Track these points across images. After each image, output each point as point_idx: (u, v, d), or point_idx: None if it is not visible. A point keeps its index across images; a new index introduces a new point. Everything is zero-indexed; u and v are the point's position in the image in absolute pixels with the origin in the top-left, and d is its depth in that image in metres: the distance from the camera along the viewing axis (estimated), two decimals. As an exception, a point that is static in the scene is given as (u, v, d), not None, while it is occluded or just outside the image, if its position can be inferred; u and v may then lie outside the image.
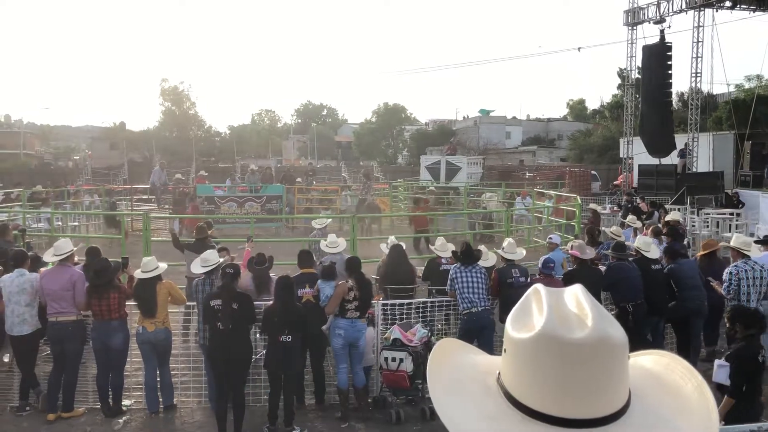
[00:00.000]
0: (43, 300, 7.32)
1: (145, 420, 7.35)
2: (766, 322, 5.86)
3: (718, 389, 5.57)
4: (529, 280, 8.24)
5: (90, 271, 8.01)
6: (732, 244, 8.46)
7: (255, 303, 7.13)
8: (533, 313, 1.15)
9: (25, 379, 7.49)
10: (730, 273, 7.96)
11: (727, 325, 5.95)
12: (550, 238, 10.25)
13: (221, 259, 8.05)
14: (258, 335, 7.45)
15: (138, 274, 7.51)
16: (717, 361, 5.66)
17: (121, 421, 7.26)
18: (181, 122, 52.80)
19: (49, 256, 7.56)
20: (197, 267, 7.96)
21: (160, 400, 7.50)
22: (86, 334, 7.46)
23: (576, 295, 1.16)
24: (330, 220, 13.30)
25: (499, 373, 1.17)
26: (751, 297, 7.81)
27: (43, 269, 7.76)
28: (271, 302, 7.05)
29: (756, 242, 9.22)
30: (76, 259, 8.14)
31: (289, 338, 6.72)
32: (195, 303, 7.62)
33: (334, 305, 7.27)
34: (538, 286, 1.19)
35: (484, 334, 7.79)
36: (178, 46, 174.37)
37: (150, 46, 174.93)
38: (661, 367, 1.21)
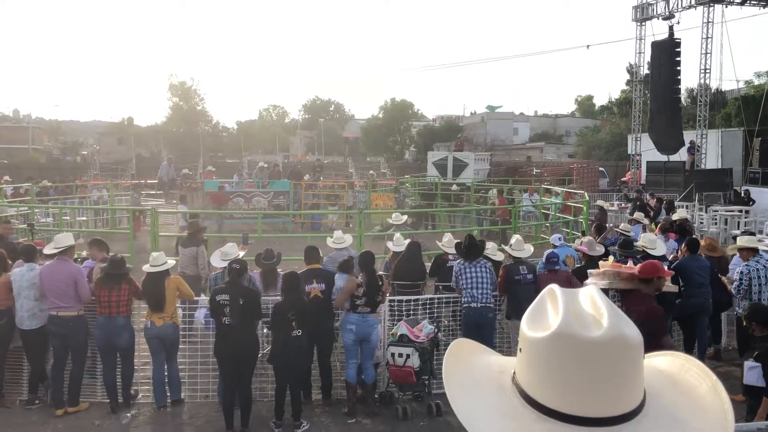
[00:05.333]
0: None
1: (153, 414, 7.38)
2: None
3: (746, 392, 5.46)
4: (535, 275, 8.21)
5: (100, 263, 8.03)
6: (739, 244, 8.42)
7: (262, 298, 7.15)
8: (549, 313, 1.14)
9: (34, 372, 7.53)
10: (741, 273, 7.91)
11: (744, 323, 5.89)
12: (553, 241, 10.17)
13: (241, 253, 8.06)
14: (265, 330, 7.47)
15: (146, 268, 7.53)
16: (747, 363, 5.54)
17: (129, 415, 7.29)
18: (188, 118, 52.92)
19: (49, 250, 7.57)
20: (217, 260, 7.97)
21: (168, 394, 7.53)
22: (89, 329, 7.46)
23: (591, 296, 1.16)
24: (406, 216, 13.22)
25: (514, 373, 1.17)
26: (764, 296, 7.75)
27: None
28: (278, 298, 7.07)
29: None
30: (84, 253, 8.17)
31: (299, 332, 6.75)
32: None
33: (342, 300, 7.29)
34: (554, 287, 1.19)
35: (483, 331, 7.73)
36: (187, 41, 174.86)
37: (158, 42, 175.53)
38: (675, 368, 1.21)
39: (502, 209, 18.03)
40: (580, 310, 1.13)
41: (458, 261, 8.16)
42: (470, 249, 8.05)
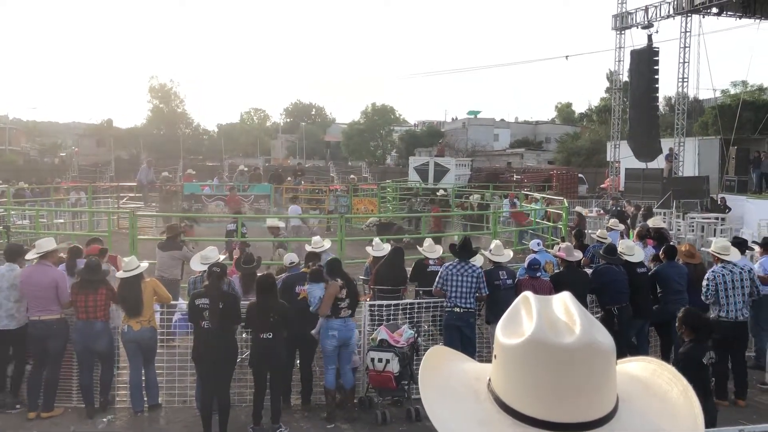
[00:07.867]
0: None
1: (130, 419, 7.30)
2: (711, 327, 6.17)
3: None
4: (515, 281, 8.25)
5: (72, 270, 7.95)
6: (711, 249, 8.48)
7: (241, 302, 7.11)
8: (523, 320, 1.16)
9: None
10: (708, 279, 7.97)
11: (677, 325, 6.12)
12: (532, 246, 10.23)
13: (222, 256, 8.00)
14: (244, 334, 7.43)
15: (120, 274, 7.45)
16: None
17: (105, 420, 7.21)
18: (169, 120, 52.57)
19: (31, 255, 7.49)
20: (197, 264, 7.92)
21: (145, 399, 7.45)
22: (69, 333, 7.39)
23: (564, 302, 1.18)
24: (283, 223, 13.61)
25: (489, 380, 1.18)
26: (731, 301, 7.80)
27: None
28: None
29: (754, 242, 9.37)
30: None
31: (269, 335, 6.70)
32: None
33: (327, 305, 7.15)
34: (527, 294, 1.21)
35: (465, 332, 7.80)
36: (168, 43, 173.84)
37: (139, 43, 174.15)
38: (647, 373, 1.23)
39: (435, 219, 18.31)
40: (553, 317, 1.14)
41: (447, 264, 8.18)
42: (464, 248, 8.12)
